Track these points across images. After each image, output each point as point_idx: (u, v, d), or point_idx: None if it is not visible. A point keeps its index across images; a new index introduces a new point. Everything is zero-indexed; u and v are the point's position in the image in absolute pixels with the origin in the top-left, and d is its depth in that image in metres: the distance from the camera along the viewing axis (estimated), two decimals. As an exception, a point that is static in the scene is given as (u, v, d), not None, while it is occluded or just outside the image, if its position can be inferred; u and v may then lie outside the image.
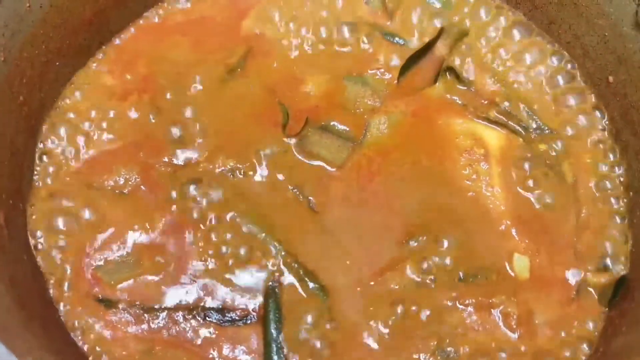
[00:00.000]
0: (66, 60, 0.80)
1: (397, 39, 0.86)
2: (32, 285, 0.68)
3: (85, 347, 0.68)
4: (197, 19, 0.86)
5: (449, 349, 0.70)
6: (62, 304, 0.70)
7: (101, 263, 0.72)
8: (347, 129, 0.81)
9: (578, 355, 0.71)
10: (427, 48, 0.85)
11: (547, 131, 0.82)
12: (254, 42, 0.85)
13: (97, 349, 0.69)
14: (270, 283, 0.72)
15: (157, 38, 0.85)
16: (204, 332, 0.70)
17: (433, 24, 0.86)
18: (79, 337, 0.69)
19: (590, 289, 0.74)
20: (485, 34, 0.86)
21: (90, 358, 0.68)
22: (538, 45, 0.86)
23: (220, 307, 0.71)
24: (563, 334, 0.72)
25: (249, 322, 0.71)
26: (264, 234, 0.74)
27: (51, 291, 0.71)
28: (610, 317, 0.72)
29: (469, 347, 0.70)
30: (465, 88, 0.84)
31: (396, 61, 0.85)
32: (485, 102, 0.83)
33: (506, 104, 0.83)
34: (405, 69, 0.84)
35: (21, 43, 0.73)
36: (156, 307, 0.71)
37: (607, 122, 0.82)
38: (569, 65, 0.85)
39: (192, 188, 0.76)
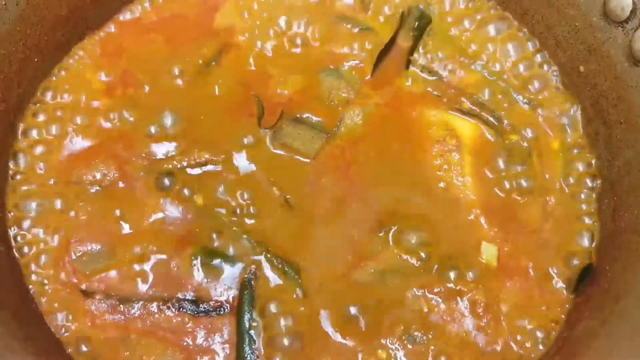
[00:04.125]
0: (44, 56, 0.81)
1: (371, 31, 0.87)
2: (7, 276, 0.70)
3: (61, 333, 0.70)
4: (170, 17, 0.87)
5: (415, 333, 0.72)
6: (38, 293, 0.72)
7: (78, 255, 0.74)
8: (321, 120, 0.82)
9: (543, 341, 0.72)
10: (394, 39, 0.86)
11: (524, 104, 0.83)
12: (227, 38, 0.86)
13: (74, 335, 0.71)
14: (246, 275, 0.74)
15: (134, 35, 0.86)
16: (178, 322, 0.72)
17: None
18: (55, 324, 0.71)
19: (556, 278, 0.75)
20: (458, 24, 0.87)
21: (67, 345, 0.70)
22: (510, 35, 0.87)
23: (194, 298, 0.73)
24: (528, 321, 0.73)
25: (222, 312, 0.72)
26: (238, 227, 0.76)
27: (28, 281, 0.72)
28: (576, 303, 0.73)
29: (435, 332, 0.72)
30: (436, 78, 0.85)
31: (370, 54, 0.86)
32: (457, 92, 0.84)
33: (477, 94, 0.83)
34: (378, 61, 0.85)
35: (-3, 41, 0.74)
36: (132, 298, 0.72)
37: (578, 112, 0.83)
38: (541, 55, 0.86)
39: (167, 181, 0.78)
